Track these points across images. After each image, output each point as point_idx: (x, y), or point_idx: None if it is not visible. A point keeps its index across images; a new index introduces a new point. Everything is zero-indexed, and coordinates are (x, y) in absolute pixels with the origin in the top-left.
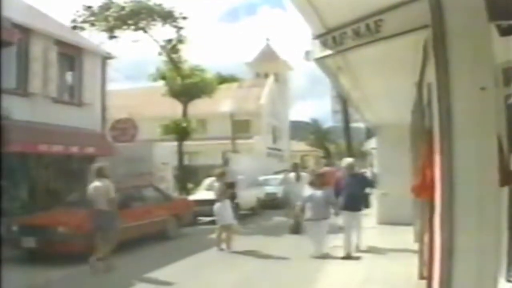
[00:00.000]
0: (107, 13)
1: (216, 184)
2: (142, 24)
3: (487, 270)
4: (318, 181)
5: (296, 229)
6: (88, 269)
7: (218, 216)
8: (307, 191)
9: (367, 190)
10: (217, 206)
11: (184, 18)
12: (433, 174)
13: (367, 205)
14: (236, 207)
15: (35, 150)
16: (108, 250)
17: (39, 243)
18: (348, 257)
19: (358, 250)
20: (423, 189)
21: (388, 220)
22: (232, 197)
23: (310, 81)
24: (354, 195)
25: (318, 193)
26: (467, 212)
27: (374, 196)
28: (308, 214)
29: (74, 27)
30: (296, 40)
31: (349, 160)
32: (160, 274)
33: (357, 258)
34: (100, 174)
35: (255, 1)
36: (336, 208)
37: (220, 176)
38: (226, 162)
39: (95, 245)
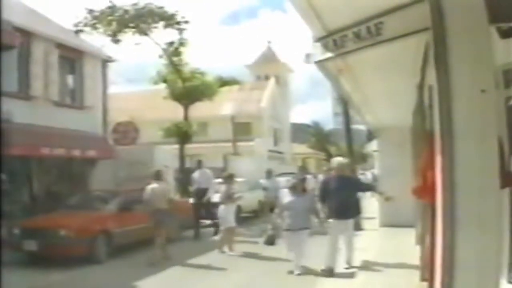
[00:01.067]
0: (110, 17)
1: (223, 187)
2: (143, 27)
3: (489, 272)
4: (300, 186)
5: (272, 240)
6: (90, 271)
7: (221, 219)
8: (286, 197)
9: (359, 194)
10: (221, 208)
11: (186, 22)
12: (434, 176)
13: (358, 212)
14: (237, 210)
15: (37, 153)
16: (165, 242)
17: (40, 246)
18: (328, 272)
19: (350, 266)
20: (425, 191)
21: (390, 223)
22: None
23: (311, 84)
24: (343, 200)
25: (299, 199)
26: (468, 214)
27: (376, 198)
28: (286, 223)
29: (77, 31)
30: (296, 43)
31: (339, 159)
32: (162, 277)
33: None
34: (158, 177)
35: (255, 4)
36: (319, 216)
37: (228, 179)
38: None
39: (155, 237)
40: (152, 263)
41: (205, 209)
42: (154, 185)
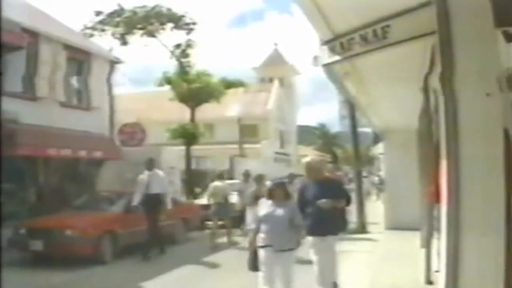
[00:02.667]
0: (118, 19)
1: (253, 189)
2: (151, 28)
3: (493, 274)
4: (279, 192)
5: (256, 263)
6: (96, 272)
7: (250, 225)
8: (264, 207)
9: (343, 200)
10: (249, 213)
11: (194, 23)
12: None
13: (342, 226)
14: None
15: (43, 154)
16: (230, 229)
17: (46, 246)
18: None
19: None
20: (436, 194)
21: (395, 226)
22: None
23: (318, 86)
24: (320, 211)
25: (279, 209)
26: (473, 217)
27: (382, 201)
28: (263, 239)
29: (85, 33)
30: (303, 45)
31: (310, 158)
32: (168, 278)
33: None
34: (220, 177)
35: (262, 7)
36: (300, 233)
37: (258, 180)
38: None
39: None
40: (215, 247)
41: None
42: (216, 183)
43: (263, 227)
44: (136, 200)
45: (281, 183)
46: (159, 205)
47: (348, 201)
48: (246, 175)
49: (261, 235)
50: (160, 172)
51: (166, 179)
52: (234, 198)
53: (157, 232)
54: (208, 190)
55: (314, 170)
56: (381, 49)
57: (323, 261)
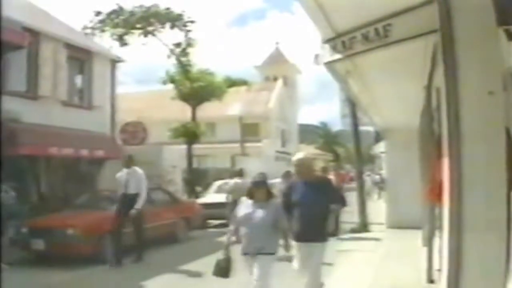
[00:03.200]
0: (117, 20)
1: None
2: (151, 28)
3: (496, 273)
4: (260, 191)
5: (226, 269)
6: (97, 271)
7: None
8: (244, 207)
9: (334, 206)
10: None
11: (192, 22)
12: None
13: (334, 231)
14: None
15: (45, 153)
16: None
17: (48, 245)
18: None
19: None
20: (438, 193)
21: (397, 224)
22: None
23: (319, 85)
24: (308, 215)
25: (259, 210)
26: (475, 216)
27: (383, 200)
28: (242, 244)
29: (86, 34)
30: (304, 44)
31: (301, 155)
32: (169, 277)
33: None
34: (240, 174)
35: (263, 6)
36: (286, 236)
37: (286, 177)
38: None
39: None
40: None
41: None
42: (236, 180)
43: (242, 229)
44: (141, 202)
45: (263, 180)
46: (134, 205)
47: (342, 203)
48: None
49: (242, 240)
50: (139, 170)
51: (144, 178)
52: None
53: (139, 236)
54: (228, 187)
55: (306, 168)
56: (383, 48)
57: (307, 270)
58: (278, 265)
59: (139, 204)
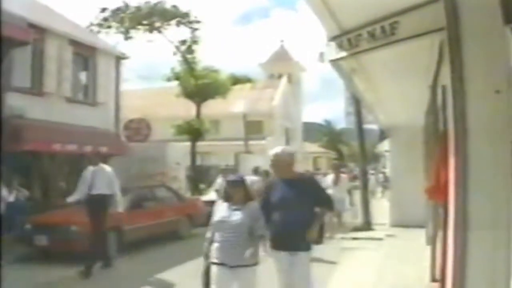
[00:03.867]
0: (123, 15)
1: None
2: (156, 25)
3: (501, 273)
4: (239, 192)
5: (207, 284)
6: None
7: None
8: (219, 210)
9: (319, 209)
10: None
11: (198, 22)
12: (447, 176)
13: (318, 240)
14: None
15: (49, 149)
16: None
17: (51, 241)
18: None
19: None
20: (437, 191)
21: (400, 223)
22: None
23: (323, 83)
24: (291, 218)
25: (236, 215)
26: (480, 214)
27: (387, 198)
28: (216, 253)
29: (91, 30)
30: (308, 43)
31: (280, 149)
32: (172, 274)
33: None
34: (256, 172)
35: (268, 4)
36: (265, 243)
37: (257, 174)
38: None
39: None
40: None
41: None
42: (252, 177)
43: (217, 236)
44: (72, 198)
45: (240, 180)
46: (103, 209)
47: (329, 207)
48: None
49: (216, 248)
50: (107, 168)
51: (115, 177)
52: None
53: (100, 242)
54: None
55: (283, 165)
56: (389, 46)
57: (289, 283)
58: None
59: (117, 205)
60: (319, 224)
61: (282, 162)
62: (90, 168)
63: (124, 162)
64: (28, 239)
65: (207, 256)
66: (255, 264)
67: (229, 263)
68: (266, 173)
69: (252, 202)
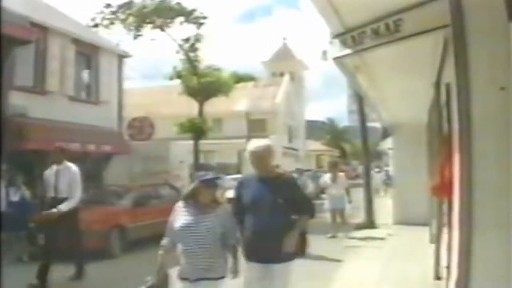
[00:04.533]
0: (128, 11)
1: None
2: (159, 22)
3: (506, 270)
4: (208, 193)
5: None
6: (106, 265)
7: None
8: (183, 215)
9: (300, 215)
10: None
11: (204, 18)
12: (452, 173)
13: (303, 248)
14: None
15: (52, 148)
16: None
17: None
18: None
19: None
20: (442, 189)
21: (404, 221)
22: None
23: (326, 81)
24: (265, 224)
25: (204, 220)
26: (485, 211)
27: (389, 196)
28: (181, 266)
29: (94, 25)
30: (311, 41)
31: (257, 142)
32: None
33: None
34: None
35: (270, 2)
36: (235, 253)
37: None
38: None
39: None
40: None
41: None
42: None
43: (180, 245)
44: (65, 206)
45: (211, 180)
46: (73, 215)
47: (310, 212)
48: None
49: (181, 259)
50: (72, 167)
51: (78, 176)
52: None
53: (74, 249)
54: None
55: (262, 162)
56: (393, 43)
57: None
58: None
59: (68, 204)
60: (298, 232)
61: (261, 158)
62: (54, 168)
63: (127, 160)
64: (31, 238)
65: (162, 268)
66: (223, 277)
67: (194, 277)
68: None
69: (223, 205)
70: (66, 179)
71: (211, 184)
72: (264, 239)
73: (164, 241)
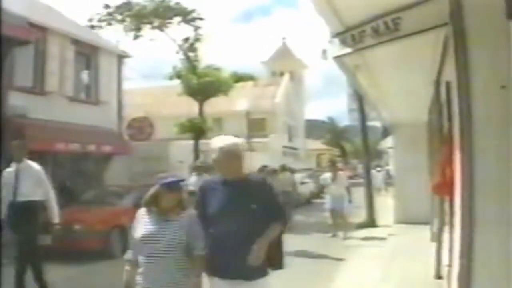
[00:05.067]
0: (127, 12)
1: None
2: (158, 23)
3: (507, 268)
4: (172, 198)
5: None
6: (107, 266)
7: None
8: (144, 223)
9: (271, 223)
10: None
11: (202, 19)
12: (453, 172)
13: (279, 262)
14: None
15: (52, 149)
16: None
17: (55, 240)
18: None
19: None
20: (443, 187)
21: (404, 220)
22: None
23: (326, 80)
24: (233, 234)
25: (167, 229)
26: (486, 210)
27: (391, 195)
28: (142, 280)
29: (92, 26)
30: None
31: (224, 139)
32: None
33: None
34: (285, 169)
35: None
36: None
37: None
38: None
39: None
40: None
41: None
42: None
43: (141, 256)
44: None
45: (174, 183)
46: (32, 220)
47: (283, 220)
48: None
49: (141, 271)
50: (35, 166)
51: (45, 176)
52: None
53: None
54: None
55: (232, 162)
56: (393, 41)
57: None
58: None
59: (55, 216)
60: (267, 242)
61: (231, 157)
62: (13, 166)
63: (127, 161)
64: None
65: (128, 282)
66: None
67: None
68: (273, 172)
69: (188, 212)
70: (28, 180)
71: (174, 188)
72: (233, 251)
73: (129, 255)
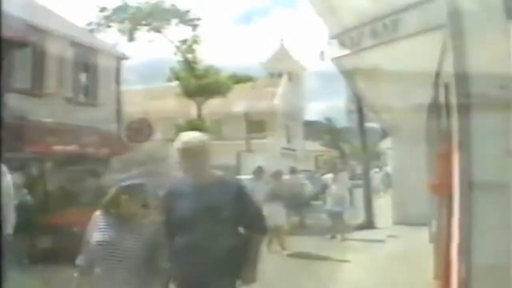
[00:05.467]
0: (123, 15)
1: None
2: (156, 24)
3: (506, 269)
4: (133, 202)
5: None
6: None
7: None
8: (101, 229)
9: (250, 232)
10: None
11: (198, 19)
12: (451, 172)
13: (250, 277)
14: None
15: (50, 150)
16: None
17: (54, 243)
18: None
19: None
20: (441, 187)
21: (403, 220)
22: None
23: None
24: (204, 246)
25: (127, 236)
26: (485, 210)
27: (389, 195)
28: None
29: (91, 30)
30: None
31: (190, 136)
32: None
33: None
34: (258, 173)
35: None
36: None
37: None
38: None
39: None
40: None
41: None
42: (287, 177)
43: (98, 268)
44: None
45: (135, 186)
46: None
47: (262, 228)
48: (259, 171)
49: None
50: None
51: (11, 184)
52: None
53: None
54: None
55: (197, 162)
56: (391, 43)
57: None
58: None
59: (9, 226)
60: (256, 257)
61: (197, 155)
62: None
63: (126, 162)
64: (31, 241)
65: None
66: None
67: None
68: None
69: (151, 218)
70: None
71: (136, 191)
72: (203, 265)
73: (80, 260)
